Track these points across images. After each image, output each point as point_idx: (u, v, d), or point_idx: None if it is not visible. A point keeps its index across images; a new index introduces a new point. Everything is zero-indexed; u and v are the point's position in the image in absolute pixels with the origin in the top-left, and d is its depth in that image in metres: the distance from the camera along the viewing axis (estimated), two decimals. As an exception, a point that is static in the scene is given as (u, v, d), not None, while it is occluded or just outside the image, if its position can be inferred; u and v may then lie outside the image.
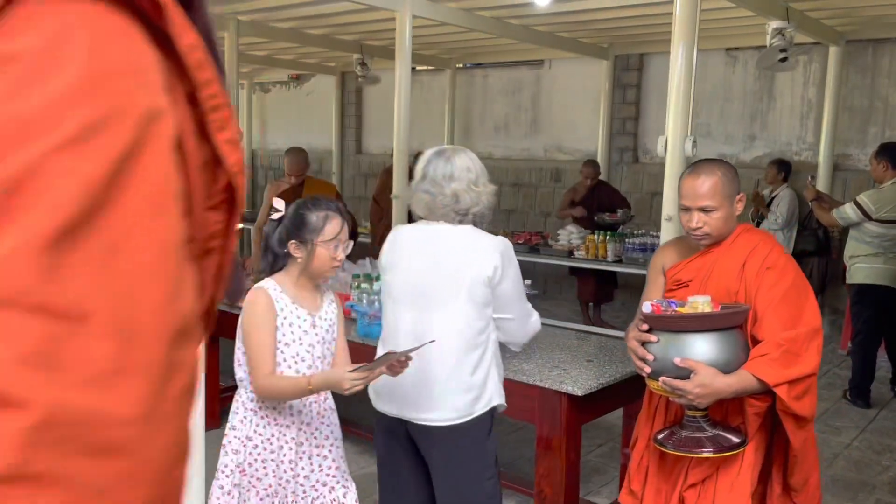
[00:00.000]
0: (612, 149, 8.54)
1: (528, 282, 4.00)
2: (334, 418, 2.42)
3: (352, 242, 2.33)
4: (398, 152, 5.84)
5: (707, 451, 2.05)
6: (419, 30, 7.42)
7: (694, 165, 2.25)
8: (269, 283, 2.25)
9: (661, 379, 2.02)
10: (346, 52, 9.31)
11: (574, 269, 6.82)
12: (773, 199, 7.02)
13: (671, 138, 4.45)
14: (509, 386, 2.97)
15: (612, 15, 6.90)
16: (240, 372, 2.32)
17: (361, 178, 11.18)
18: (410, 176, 2.58)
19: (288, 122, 12.28)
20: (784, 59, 5.75)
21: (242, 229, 8.08)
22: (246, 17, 7.75)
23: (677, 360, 1.98)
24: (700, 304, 2.02)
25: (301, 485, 2.29)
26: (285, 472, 2.26)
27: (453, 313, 2.24)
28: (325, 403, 2.39)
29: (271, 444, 2.26)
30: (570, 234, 6.76)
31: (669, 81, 4.48)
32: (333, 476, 2.35)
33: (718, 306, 2.05)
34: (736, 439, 2.08)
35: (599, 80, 8.52)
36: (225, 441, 2.33)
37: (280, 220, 2.29)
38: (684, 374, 1.97)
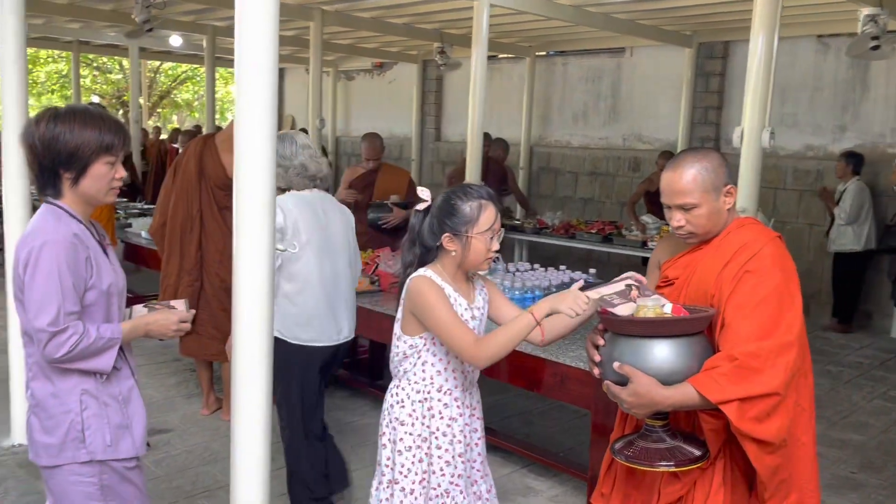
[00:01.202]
0: (693, 138, 8.37)
1: (593, 271, 4.04)
2: (480, 410, 2.31)
3: (503, 230, 2.21)
4: (472, 139, 5.92)
5: (663, 465, 1.86)
6: (498, 18, 7.47)
7: (674, 158, 2.02)
8: (428, 272, 2.12)
9: (604, 383, 1.87)
10: (426, 41, 9.45)
11: (645, 259, 6.73)
12: (842, 193, 6.76)
13: (748, 129, 4.37)
14: (568, 372, 3.04)
15: (696, 2, 6.76)
16: (405, 364, 2.19)
17: (440, 165, 11.32)
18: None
19: (371, 109, 12.54)
20: (876, 48, 5.51)
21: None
22: (330, 7, 7.98)
23: (615, 366, 1.81)
24: (648, 307, 1.84)
25: (469, 476, 2.22)
26: (457, 466, 2.17)
27: (348, 256, 3.11)
28: (476, 395, 2.29)
29: (445, 436, 2.16)
30: (645, 224, 6.69)
31: (748, 70, 4.39)
32: (479, 470, 2.28)
33: (681, 311, 1.86)
34: (696, 452, 1.87)
35: (682, 68, 8.35)
36: (389, 438, 2.20)
37: (427, 210, 2.15)
38: (624, 380, 1.81)
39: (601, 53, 9.33)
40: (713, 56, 8.28)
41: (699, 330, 1.85)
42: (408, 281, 2.13)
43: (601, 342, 1.90)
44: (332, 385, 4.82)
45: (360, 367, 5.02)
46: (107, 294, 1.98)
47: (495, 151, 7.74)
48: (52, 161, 1.92)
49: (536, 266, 4.12)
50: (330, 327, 2.97)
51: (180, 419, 4.21)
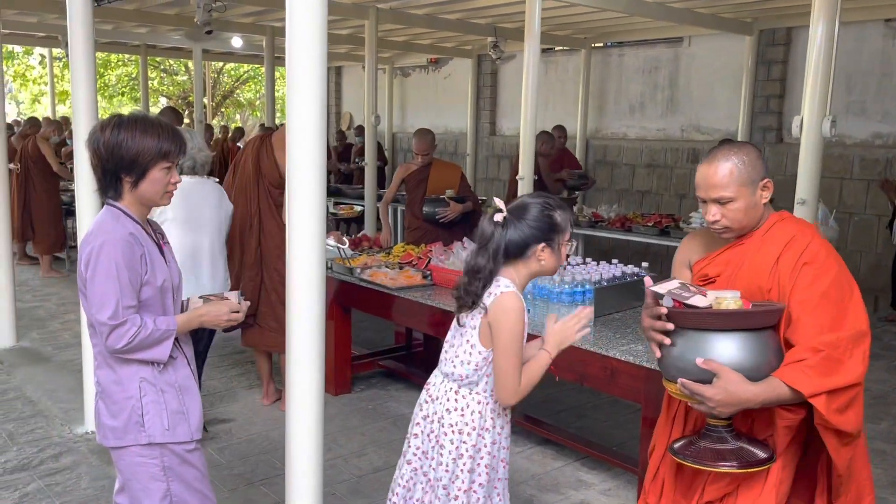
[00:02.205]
0: (754, 128, 8.16)
1: (646, 264, 4.00)
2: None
3: None
4: (525, 133, 5.92)
5: (728, 466, 1.80)
6: (552, 11, 7.43)
7: (710, 151, 1.98)
8: (512, 287, 2.12)
9: (679, 381, 1.78)
10: (480, 36, 9.46)
11: None
12: None
13: (807, 118, 4.25)
14: (618, 366, 3.03)
15: (755, -12, 6.59)
16: (477, 375, 2.17)
17: (495, 159, 11.33)
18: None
19: (426, 105, 12.63)
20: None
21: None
22: (384, 5, 8.07)
23: (699, 361, 1.75)
24: (727, 300, 1.78)
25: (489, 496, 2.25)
26: (490, 480, 2.22)
27: (212, 233, 3.74)
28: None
29: (490, 454, 2.20)
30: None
31: (808, 57, 4.26)
32: (499, 492, 2.31)
33: (749, 304, 1.81)
34: (762, 454, 1.82)
35: (742, 56, 8.14)
36: (468, 446, 2.18)
37: (504, 222, 2.12)
38: (706, 377, 1.75)
39: (658, 43, 9.17)
40: (775, 43, 8.06)
41: (776, 323, 1.83)
42: (498, 293, 2.11)
43: (668, 341, 1.83)
44: (385, 377, 4.91)
45: (415, 360, 5.10)
46: (161, 290, 2.11)
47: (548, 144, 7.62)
48: (115, 165, 2.07)
49: (588, 260, 4.10)
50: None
51: (241, 409, 4.35)
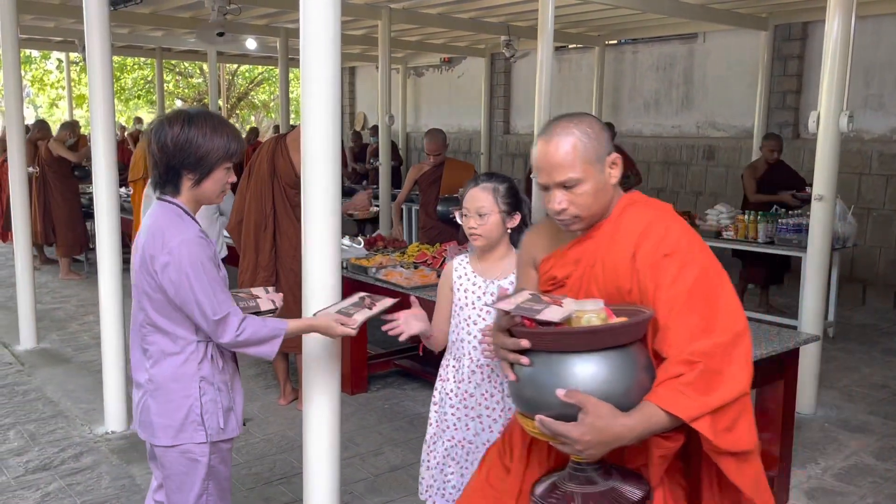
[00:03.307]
0: (771, 124, 8.10)
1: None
2: None
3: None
4: (538, 131, 5.91)
5: None
6: (565, 8, 7.42)
7: (546, 126, 1.67)
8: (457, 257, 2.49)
9: (537, 419, 1.45)
10: (493, 35, 9.46)
11: (738, 251, 6.47)
12: None
13: (824, 113, 4.22)
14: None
15: (770, -17, 6.54)
16: None
17: (509, 158, 11.31)
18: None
19: (440, 105, 12.64)
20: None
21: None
22: (397, 5, 8.09)
23: (560, 393, 1.41)
24: (588, 312, 1.48)
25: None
26: None
27: None
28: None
29: None
30: (718, 214, 6.53)
31: (824, 52, 4.23)
32: None
33: (613, 315, 1.51)
34: (638, 492, 1.53)
35: (757, 51, 8.08)
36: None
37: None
38: (570, 411, 1.41)
39: (672, 40, 9.13)
40: (791, 38, 7.99)
41: (643, 334, 1.54)
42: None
43: (525, 362, 1.49)
44: (401, 376, 4.92)
45: (431, 359, 5.10)
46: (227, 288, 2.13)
47: (779, 144, 7.12)
48: (181, 162, 2.04)
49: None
50: None
51: (259, 409, 4.38)
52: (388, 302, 2.26)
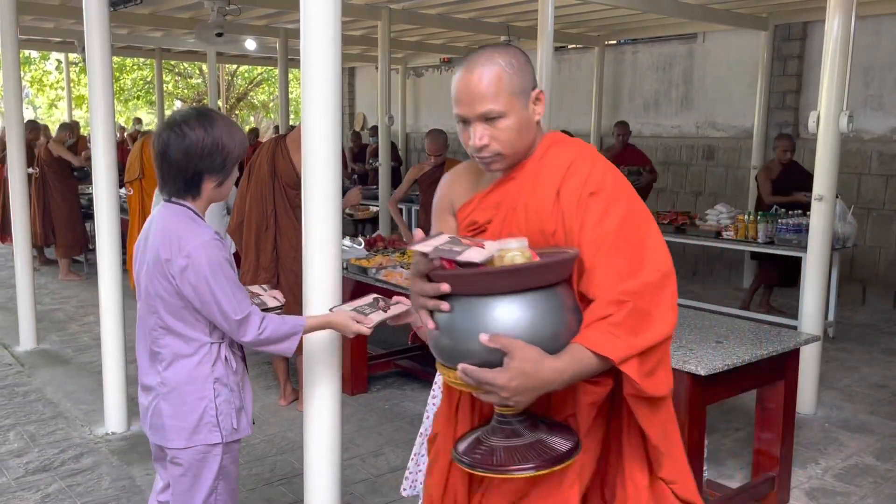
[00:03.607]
0: (770, 124, 8.10)
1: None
2: None
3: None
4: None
5: (525, 469, 1.38)
6: (565, 9, 7.42)
7: (467, 57, 1.56)
8: None
9: (460, 367, 1.34)
10: (493, 35, 9.45)
11: (756, 253, 6.40)
12: None
13: (824, 113, 4.22)
14: (635, 364, 3.02)
15: (770, -17, 6.54)
16: None
17: (509, 158, 11.31)
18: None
19: (440, 105, 12.63)
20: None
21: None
22: (397, 5, 8.08)
23: (483, 338, 1.31)
24: (513, 251, 1.37)
25: None
26: None
27: None
28: None
29: None
30: (718, 214, 6.52)
31: (824, 52, 4.23)
32: None
33: (535, 254, 1.41)
34: (566, 443, 1.43)
35: (757, 51, 8.08)
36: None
37: None
38: (494, 357, 1.31)
39: (672, 40, 9.13)
40: (790, 38, 7.99)
41: (569, 274, 1.46)
42: None
43: (445, 307, 1.37)
44: (402, 377, 4.92)
45: (431, 360, 5.10)
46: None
47: (791, 143, 6.71)
48: (209, 166, 2.01)
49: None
50: None
51: (259, 409, 4.38)
52: (401, 307, 2.25)
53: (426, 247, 1.41)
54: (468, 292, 1.36)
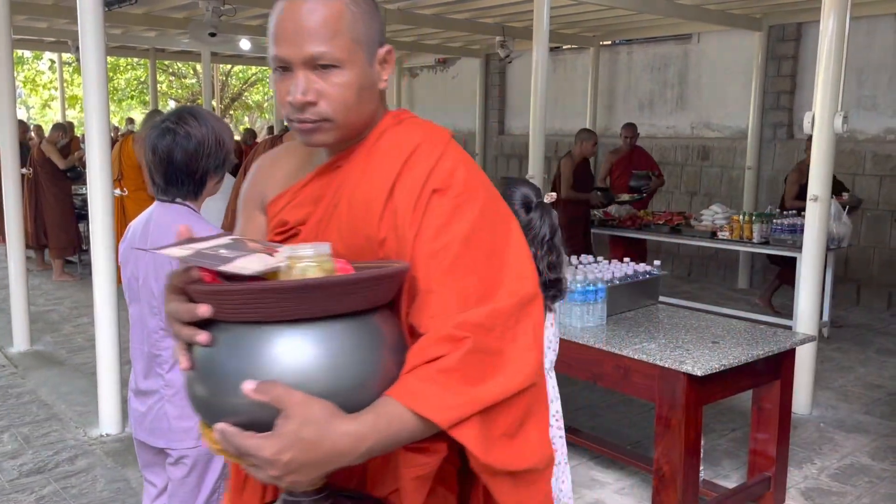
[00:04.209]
0: (765, 124, 8.12)
1: (658, 263, 3.99)
2: None
3: None
4: (534, 132, 5.91)
5: None
6: (560, 9, 7.42)
7: None
8: None
9: (217, 428, 0.91)
10: (488, 35, 9.46)
11: (776, 258, 6.34)
12: None
13: (819, 114, 4.23)
14: (631, 365, 3.02)
15: (764, -17, 6.56)
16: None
17: (504, 158, 11.31)
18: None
19: (435, 105, 12.63)
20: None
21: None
22: (392, 5, 8.07)
23: (247, 387, 0.88)
24: (306, 259, 0.96)
25: None
26: None
27: None
28: None
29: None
30: (714, 214, 6.54)
31: (818, 52, 4.24)
32: None
33: (350, 267, 1.01)
34: None
35: (751, 52, 8.10)
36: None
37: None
38: (266, 415, 0.89)
39: (667, 41, 9.14)
40: (785, 39, 8.01)
41: (393, 297, 1.05)
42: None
43: (203, 339, 0.93)
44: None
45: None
46: None
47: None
48: (214, 164, 1.98)
49: (600, 258, 4.08)
50: None
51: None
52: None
53: (184, 249, 0.98)
54: (236, 318, 0.92)
